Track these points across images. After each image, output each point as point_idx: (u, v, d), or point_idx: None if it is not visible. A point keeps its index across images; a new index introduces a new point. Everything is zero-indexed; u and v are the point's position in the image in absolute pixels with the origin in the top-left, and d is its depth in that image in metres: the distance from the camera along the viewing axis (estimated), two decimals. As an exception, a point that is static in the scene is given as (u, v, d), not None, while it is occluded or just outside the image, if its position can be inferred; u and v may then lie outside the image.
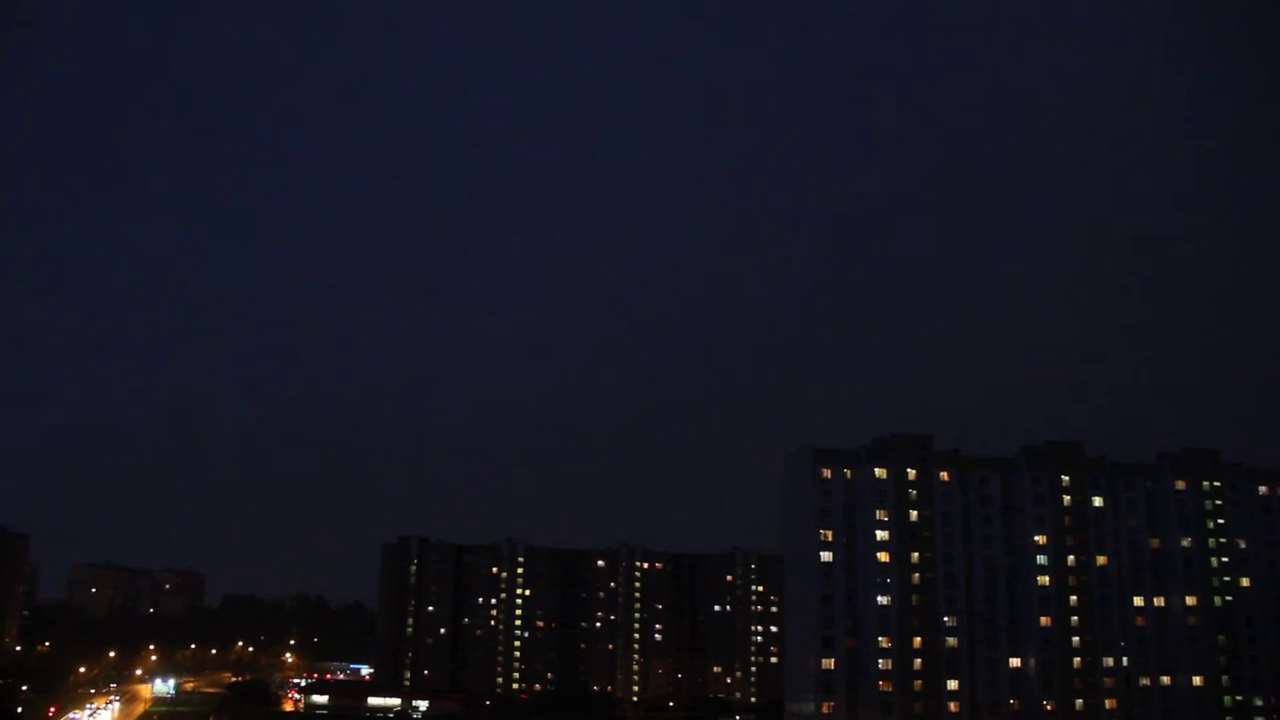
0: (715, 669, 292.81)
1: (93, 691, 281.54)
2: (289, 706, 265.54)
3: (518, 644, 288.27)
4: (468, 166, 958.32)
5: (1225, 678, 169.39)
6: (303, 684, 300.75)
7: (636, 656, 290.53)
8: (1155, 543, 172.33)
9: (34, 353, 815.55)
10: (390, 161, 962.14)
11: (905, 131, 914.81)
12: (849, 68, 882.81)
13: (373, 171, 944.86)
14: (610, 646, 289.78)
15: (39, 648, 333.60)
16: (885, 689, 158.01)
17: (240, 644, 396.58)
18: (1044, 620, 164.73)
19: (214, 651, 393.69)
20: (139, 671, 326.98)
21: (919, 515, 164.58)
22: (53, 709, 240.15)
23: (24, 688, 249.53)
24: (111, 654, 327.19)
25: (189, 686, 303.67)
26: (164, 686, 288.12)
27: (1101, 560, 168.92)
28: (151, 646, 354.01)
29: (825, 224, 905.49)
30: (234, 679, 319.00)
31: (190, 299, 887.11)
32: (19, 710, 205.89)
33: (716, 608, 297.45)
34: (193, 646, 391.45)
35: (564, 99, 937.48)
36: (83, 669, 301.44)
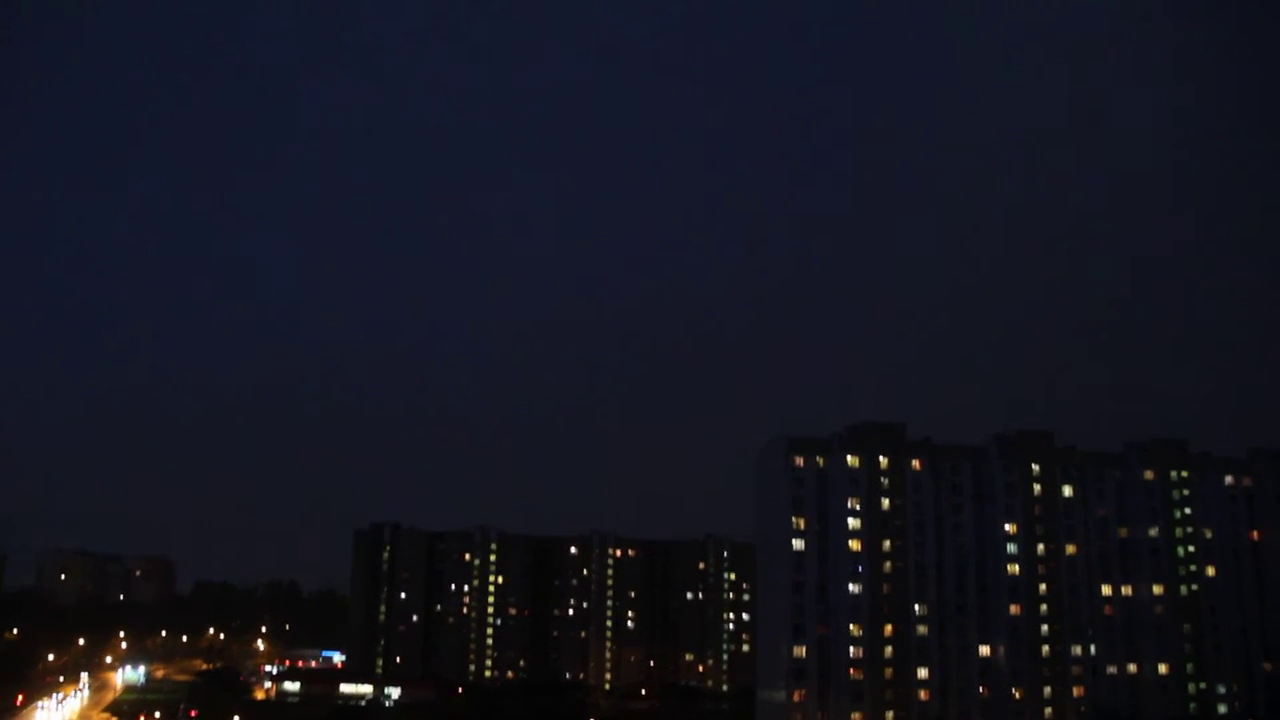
0: (687, 657, 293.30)
1: (61, 679, 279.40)
2: (261, 694, 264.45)
3: (490, 631, 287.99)
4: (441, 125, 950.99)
5: (1190, 665, 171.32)
6: (275, 671, 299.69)
7: (609, 644, 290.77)
8: (1123, 532, 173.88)
9: None
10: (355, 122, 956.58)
11: (874, 131, 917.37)
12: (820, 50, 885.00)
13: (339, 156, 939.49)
14: (583, 634, 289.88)
15: (7, 635, 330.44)
16: (856, 677, 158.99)
17: (212, 631, 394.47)
18: (1013, 609, 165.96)
19: (185, 639, 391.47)
20: (109, 659, 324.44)
21: (891, 504, 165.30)
22: (20, 697, 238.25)
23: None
24: (81, 641, 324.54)
25: (159, 674, 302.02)
26: (134, 674, 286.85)
27: (1071, 549, 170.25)
28: (122, 634, 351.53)
29: (800, 215, 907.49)
30: (205, 666, 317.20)
31: (157, 284, 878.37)
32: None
33: (689, 595, 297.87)
34: (163, 634, 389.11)
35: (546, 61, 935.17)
36: (51, 656, 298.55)
